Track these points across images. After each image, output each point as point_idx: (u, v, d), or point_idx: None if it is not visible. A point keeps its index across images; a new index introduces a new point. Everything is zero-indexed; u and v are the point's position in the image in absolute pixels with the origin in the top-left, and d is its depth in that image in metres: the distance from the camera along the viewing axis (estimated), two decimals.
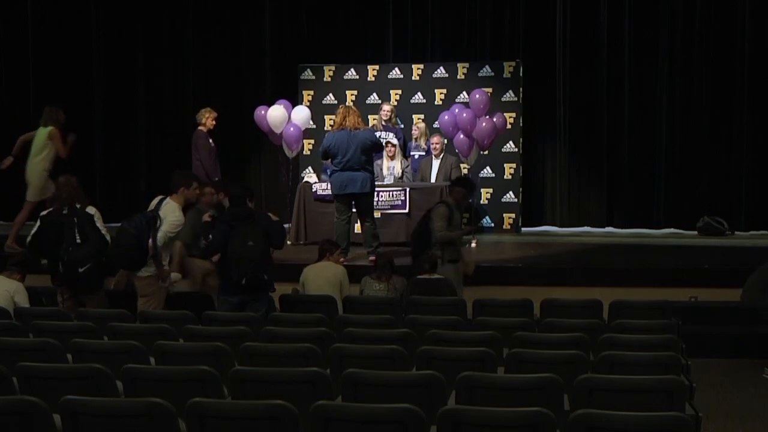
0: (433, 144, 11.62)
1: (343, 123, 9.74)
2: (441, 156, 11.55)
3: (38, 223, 7.55)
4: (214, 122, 11.02)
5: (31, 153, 10.39)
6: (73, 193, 7.51)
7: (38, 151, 10.32)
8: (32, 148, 10.42)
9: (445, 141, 11.66)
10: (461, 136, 10.85)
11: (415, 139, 12.10)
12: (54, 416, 4.06)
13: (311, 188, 11.23)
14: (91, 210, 7.52)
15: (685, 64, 12.74)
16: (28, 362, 4.81)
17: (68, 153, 10.41)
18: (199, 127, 11.00)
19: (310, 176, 12.14)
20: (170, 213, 7.24)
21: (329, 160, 9.94)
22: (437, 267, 7.93)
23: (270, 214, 7.62)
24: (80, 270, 7.32)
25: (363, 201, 9.82)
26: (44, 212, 7.60)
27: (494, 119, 10.87)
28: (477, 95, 10.95)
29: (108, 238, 7.51)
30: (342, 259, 8.50)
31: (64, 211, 7.43)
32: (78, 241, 7.33)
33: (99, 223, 7.48)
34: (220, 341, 5.45)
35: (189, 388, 4.47)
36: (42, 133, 10.36)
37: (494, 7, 13.30)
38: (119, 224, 7.43)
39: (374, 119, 12.04)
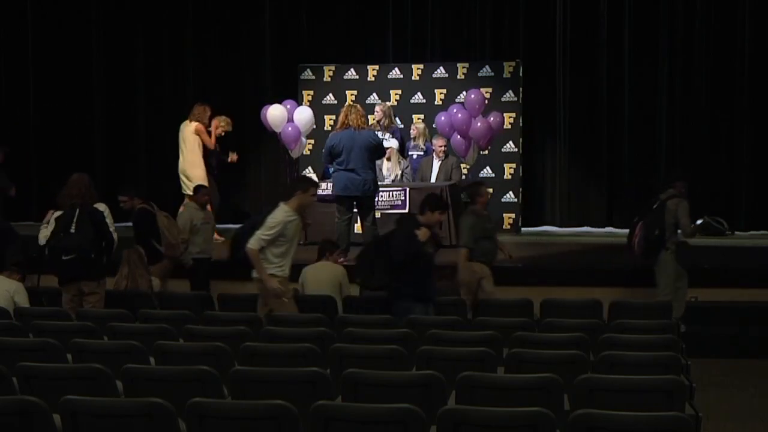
0: (436, 147, 11.49)
1: (346, 121, 9.71)
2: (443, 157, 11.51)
3: (53, 225, 7.42)
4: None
5: (184, 150, 11.27)
6: (84, 191, 7.42)
7: (191, 147, 11.21)
8: (181, 145, 11.28)
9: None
10: (457, 136, 10.83)
11: (414, 138, 12.04)
12: (54, 416, 4.06)
13: None
14: (100, 206, 7.44)
15: (685, 64, 12.72)
16: (28, 362, 4.82)
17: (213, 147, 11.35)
18: None
19: (310, 176, 12.10)
20: (271, 216, 7.06)
21: (332, 162, 9.89)
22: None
23: (419, 232, 7.02)
24: (64, 258, 7.24)
25: (365, 203, 9.79)
26: (57, 214, 7.44)
27: (490, 119, 10.82)
28: (472, 95, 10.89)
29: (115, 237, 7.46)
30: (341, 259, 8.49)
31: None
32: (72, 231, 7.24)
33: (108, 220, 7.42)
34: (220, 341, 5.46)
35: (189, 388, 4.47)
36: (188, 128, 11.22)
37: (494, 7, 13.28)
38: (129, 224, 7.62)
39: (373, 119, 12.03)
